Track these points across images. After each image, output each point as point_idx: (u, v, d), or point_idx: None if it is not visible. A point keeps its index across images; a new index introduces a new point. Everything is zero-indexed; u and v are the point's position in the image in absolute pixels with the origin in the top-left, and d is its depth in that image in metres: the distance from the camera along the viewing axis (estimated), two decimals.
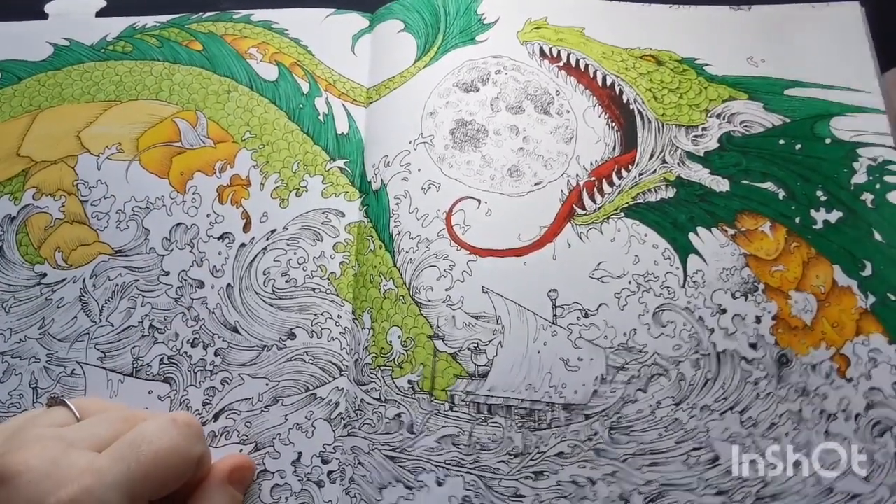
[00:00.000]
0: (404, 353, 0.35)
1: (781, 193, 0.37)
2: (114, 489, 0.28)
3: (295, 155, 0.40)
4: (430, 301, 0.36)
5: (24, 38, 0.44)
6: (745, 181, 0.38)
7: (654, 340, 0.35)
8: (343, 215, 0.39)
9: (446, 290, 0.36)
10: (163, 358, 0.37)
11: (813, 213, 0.37)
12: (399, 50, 0.41)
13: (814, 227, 0.36)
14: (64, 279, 0.38)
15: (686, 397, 0.34)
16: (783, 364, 0.34)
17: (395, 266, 0.37)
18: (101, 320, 0.38)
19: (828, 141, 0.38)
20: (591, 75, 0.40)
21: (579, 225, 0.37)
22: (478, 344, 0.35)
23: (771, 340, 0.35)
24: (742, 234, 0.37)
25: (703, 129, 0.39)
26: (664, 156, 0.38)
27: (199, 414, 0.36)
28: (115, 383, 0.36)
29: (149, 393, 0.36)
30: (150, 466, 0.29)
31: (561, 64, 0.40)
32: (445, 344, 0.35)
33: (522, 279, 0.36)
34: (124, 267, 0.38)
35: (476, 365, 0.35)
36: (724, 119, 0.39)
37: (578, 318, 0.35)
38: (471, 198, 0.37)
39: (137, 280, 0.38)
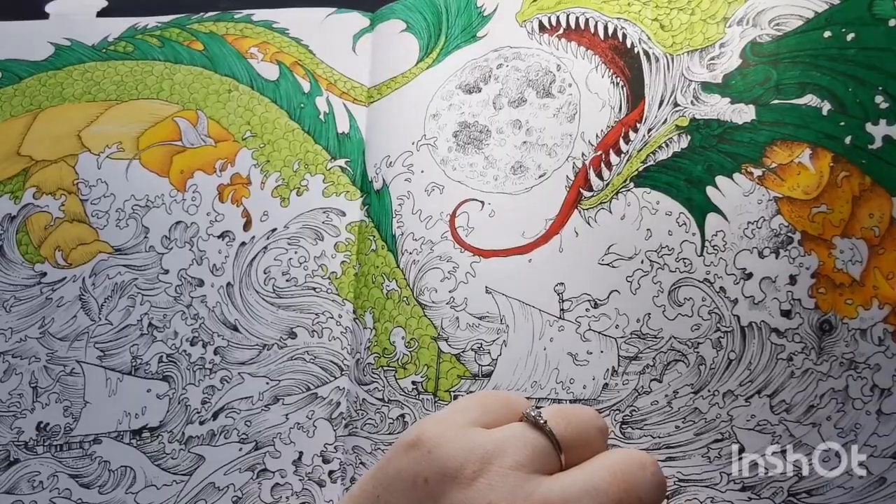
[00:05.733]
0: (408, 353, 0.35)
1: (826, 107, 0.30)
2: None
3: (296, 154, 0.40)
4: (434, 302, 0.35)
5: (25, 37, 0.44)
6: (775, 101, 0.31)
7: (669, 323, 0.31)
8: (344, 214, 0.39)
9: (450, 291, 0.35)
10: (162, 356, 0.37)
11: (870, 127, 0.29)
12: (401, 50, 0.41)
13: (870, 146, 0.29)
14: (64, 278, 0.38)
15: (706, 383, 0.31)
16: (825, 332, 0.29)
17: (398, 267, 0.36)
18: (100, 319, 0.37)
19: (892, 23, 0.29)
20: (593, 30, 0.36)
21: (586, 209, 0.34)
22: (481, 344, 0.34)
23: (810, 304, 0.29)
24: (772, 173, 0.30)
25: (721, 45, 0.32)
26: (675, 97, 0.33)
27: (197, 412, 0.36)
28: (113, 382, 0.36)
29: (147, 391, 0.36)
30: None
31: (560, 31, 0.37)
32: (449, 345, 0.35)
33: (528, 277, 0.34)
34: (124, 265, 0.38)
35: (480, 365, 0.34)
36: (747, 24, 0.32)
37: (587, 310, 0.33)
38: (474, 200, 0.36)
39: (137, 278, 0.38)
